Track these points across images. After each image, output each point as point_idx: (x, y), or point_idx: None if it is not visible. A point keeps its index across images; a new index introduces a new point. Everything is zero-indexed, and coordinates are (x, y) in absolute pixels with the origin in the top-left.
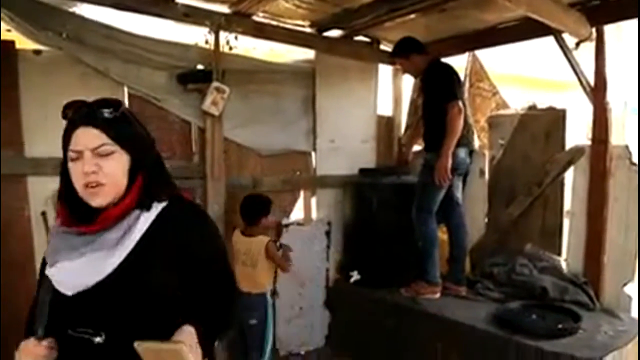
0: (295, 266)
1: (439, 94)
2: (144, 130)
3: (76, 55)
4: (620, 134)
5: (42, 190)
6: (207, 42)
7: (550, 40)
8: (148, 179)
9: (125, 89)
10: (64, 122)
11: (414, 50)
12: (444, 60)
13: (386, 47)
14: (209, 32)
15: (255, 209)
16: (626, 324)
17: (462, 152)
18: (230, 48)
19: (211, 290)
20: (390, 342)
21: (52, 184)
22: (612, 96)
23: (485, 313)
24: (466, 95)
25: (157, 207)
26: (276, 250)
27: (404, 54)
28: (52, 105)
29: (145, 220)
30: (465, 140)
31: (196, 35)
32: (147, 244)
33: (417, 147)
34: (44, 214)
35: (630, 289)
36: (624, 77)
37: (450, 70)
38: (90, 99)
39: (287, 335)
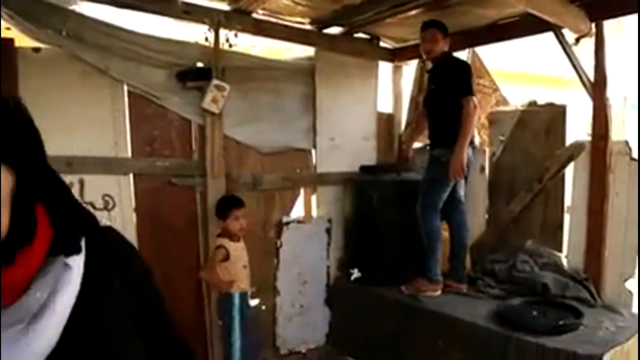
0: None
1: (453, 88)
2: (33, 130)
3: (76, 53)
4: (620, 130)
5: None
6: (206, 39)
7: (550, 36)
8: (55, 206)
9: (125, 87)
10: (65, 121)
11: (447, 32)
12: None
13: (386, 44)
14: (209, 30)
15: (216, 209)
16: (627, 320)
17: (469, 151)
18: (230, 45)
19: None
20: (391, 340)
21: None
22: (612, 92)
23: (486, 310)
24: None
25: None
26: (217, 257)
27: (442, 29)
28: (53, 103)
29: (77, 266)
30: (472, 139)
31: (196, 33)
32: (90, 301)
33: (417, 144)
34: None
35: (631, 285)
36: (624, 73)
37: (466, 65)
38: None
39: (287, 333)
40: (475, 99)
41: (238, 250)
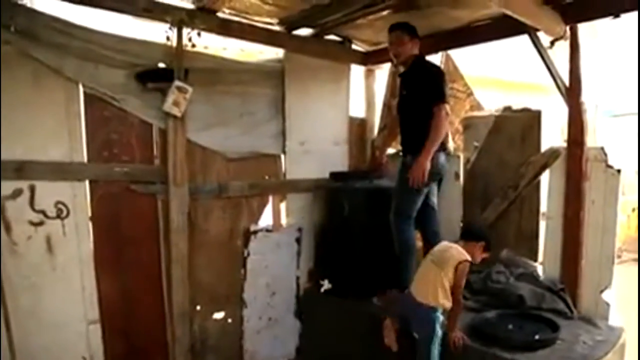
0: None
1: (426, 93)
2: None
3: (26, 51)
4: (591, 138)
5: None
6: (168, 38)
7: (524, 43)
8: None
9: (81, 88)
10: (15, 123)
11: (416, 35)
12: None
13: (359, 46)
14: (170, 28)
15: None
16: (604, 333)
17: (443, 157)
18: (194, 45)
19: None
20: (362, 354)
21: None
22: (584, 98)
23: (460, 323)
24: None
25: None
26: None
27: (409, 31)
28: (1, 104)
29: None
30: (445, 145)
31: (158, 32)
32: None
33: (390, 150)
34: None
35: (608, 295)
36: (595, 79)
37: (438, 70)
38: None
39: (255, 347)
40: (447, 106)
41: None
